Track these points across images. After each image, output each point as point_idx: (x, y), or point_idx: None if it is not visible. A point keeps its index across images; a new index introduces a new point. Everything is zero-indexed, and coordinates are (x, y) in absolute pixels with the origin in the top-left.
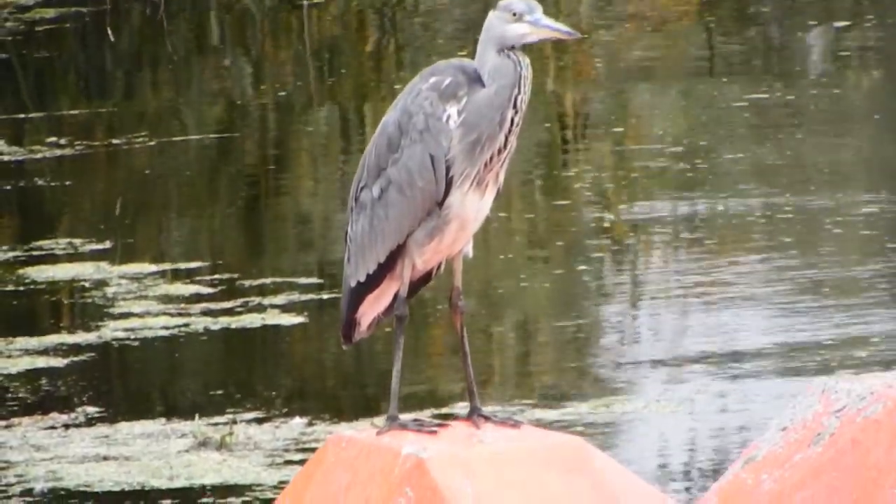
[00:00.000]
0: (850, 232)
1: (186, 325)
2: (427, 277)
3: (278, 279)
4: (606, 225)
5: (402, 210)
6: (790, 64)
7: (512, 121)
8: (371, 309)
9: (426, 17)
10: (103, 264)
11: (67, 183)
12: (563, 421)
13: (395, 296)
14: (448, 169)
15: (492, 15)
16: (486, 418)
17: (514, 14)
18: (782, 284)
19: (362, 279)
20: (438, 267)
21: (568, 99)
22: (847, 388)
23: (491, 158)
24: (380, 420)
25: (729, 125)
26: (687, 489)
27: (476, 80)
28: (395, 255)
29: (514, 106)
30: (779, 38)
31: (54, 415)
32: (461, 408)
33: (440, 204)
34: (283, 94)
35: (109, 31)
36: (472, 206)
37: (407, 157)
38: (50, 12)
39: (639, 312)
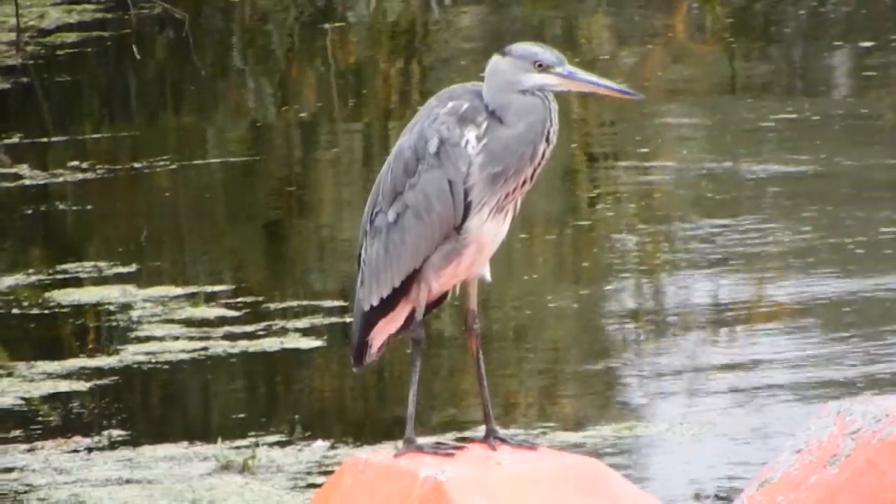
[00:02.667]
0: (875, 251)
1: (210, 348)
2: (440, 299)
3: (302, 302)
4: (630, 247)
5: (419, 235)
6: (815, 84)
7: (543, 154)
8: (383, 332)
9: (449, 37)
10: (129, 287)
11: (89, 207)
12: (585, 444)
13: (408, 318)
14: (466, 194)
15: (502, 62)
16: (503, 440)
17: (539, 65)
18: (806, 306)
19: (376, 303)
20: (452, 289)
21: (591, 119)
22: (862, 410)
23: (514, 189)
24: (401, 443)
25: (755, 145)
26: None
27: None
28: (411, 279)
29: (547, 139)
30: (802, 57)
31: (77, 438)
32: (480, 430)
33: (458, 228)
34: (305, 115)
35: (135, 50)
36: (490, 231)
37: (424, 181)
38: (71, 36)
39: (662, 335)
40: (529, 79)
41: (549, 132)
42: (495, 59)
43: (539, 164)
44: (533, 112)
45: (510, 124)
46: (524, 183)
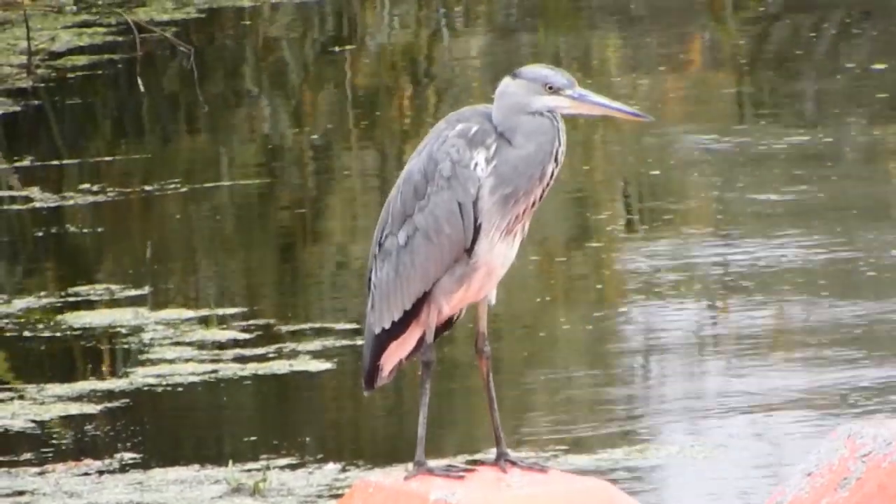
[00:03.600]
0: (887, 273)
1: (221, 370)
2: (450, 322)
3: (315, 324)
4: (641, 268)
5: (429, 257)
6: (827, 107)
7: (552, 174)
8: (394, 355)
9: (461, 60)
10: (141, 310)
11: (100, 229)
12: (596, 467)
13: (419, 341)
14: (476, 217)
15: (512, 84)
16: (513, 463)
17: (550, 87)
18: (818, 330)
19: (387, 326)
20: (460, 312)
21: (598, 142)
22: (873, 433)
23: (524, 211)
24: (411, 466)
25: (765, 169)
26: None
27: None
28: (421, 302)
29: (556, 160)
30: (815, 81)
31: (88, 461)
32: (491, 453)
33: (468, 251)
34: (316, 138)
35: (140, 82)
36: (499, 253)
37: (434, 204)
38: (82, 59)
39: (673, 357)
40: (539, 101)
41: (557, 152)
42: (506, 82)
43: (548, 183)
44: (542, 132)
45: (519, 146)
46: (533, 203)
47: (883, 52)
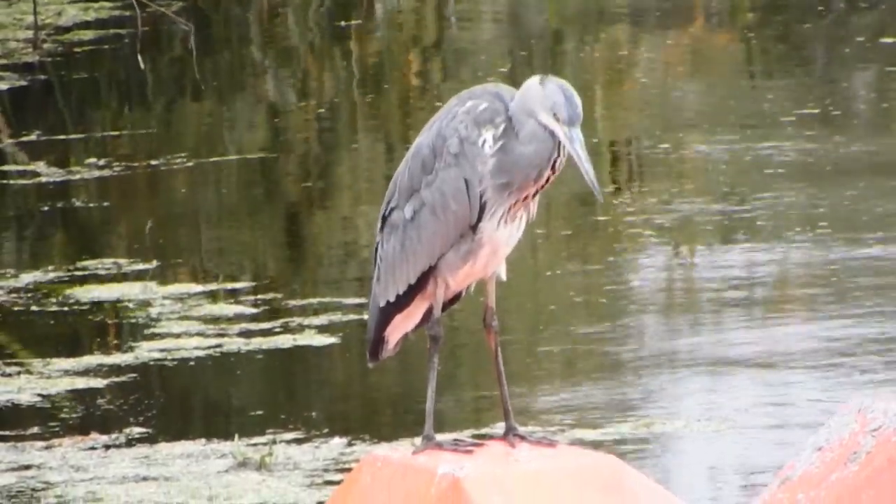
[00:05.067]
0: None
1: (228, 345)
2: (456, 297)
3: (323, 299)
4: (651, 242)
5: (435, 232)
6: (840, 106)
7: (548, 179)
8: (400, 327)
9: (471, 36)
10: (150, 284)
11: (106, 204)
12: (604, 441)
13: (424, 315)
14: (482, 194)
15: (535, 88)
16: (522, 437)
17: (556, 116)
18: (830, 306)
19: (392, 299)
20: (469, 287)
21: (608, 128)
22: (883, 408)
23: (525, 198)
24: (419, 440)
25: (775, 167)
26: None
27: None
28: (427, 276)
29: (553, 168)
30: (826, 78)
31: (95, 435)
32: (498, 427)
33: (473, 228)
34: (323, 112)
35: (140, 59)
36: (504, 232)
37: (441, 180)
38: (88, 34)
39: (681, 331)
40: (545, 117)
41: (555, 162)
42: (532, 81)
43: (543, 186)
44: (542, 140)
45: (523, 142)
46: (535, 193)
47: (892, 26)
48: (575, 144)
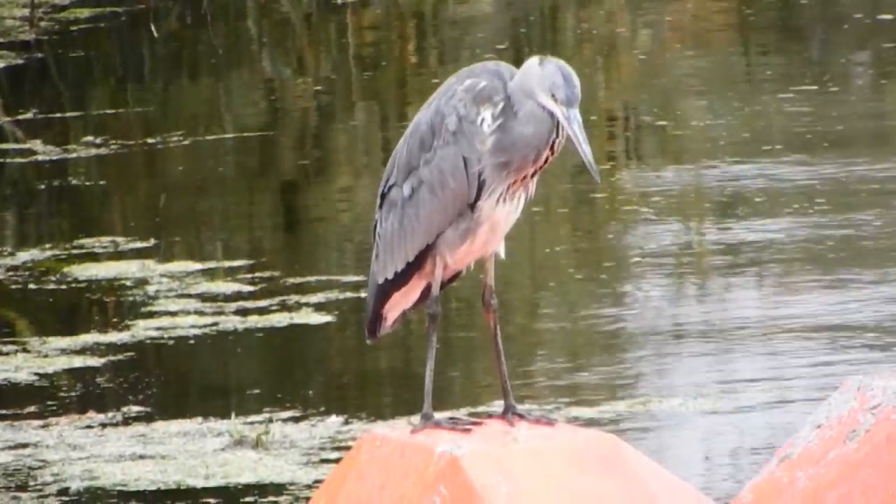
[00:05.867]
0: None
1: (226, 323)
2: (455, 276)
3: (320, 277)
4: (648, 224)
5: (433, 210)
6: (835, 82)
7: (546, 159)
8: (398, 305)
9: (468, 15)
10: (148, 262)
11: (103, 182)
12: (600, 419)
13: (423, 292)
14: (480, 172)
15: (535, 68)
16: (521, 416)
17: (554, 97)
18: (828, 282)
19: (390, 276)
20: (468, 266)
21: (607, 104)
22: (882, 385)
23: (523, 178)
24: (416, 418)
25: (776, 142)
26: (723, 486)
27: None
28: (425, 254)
29: (552, 149)
30: (822, 55)
31: (91, 414)
32: (497, 406)
33: (472, 206)
34: (320, 90)
35: (153, 28)
36: (502, 210)
37: (439, 157)
38: (85, 12)
39: (678, 309)
40: (543, 98)
41: (554, 142)
42: (532, 62)
43: (542, 167)
44: (541, 122)
45: (521, 122)
46: (534, 174)
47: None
48: (573, 125)
